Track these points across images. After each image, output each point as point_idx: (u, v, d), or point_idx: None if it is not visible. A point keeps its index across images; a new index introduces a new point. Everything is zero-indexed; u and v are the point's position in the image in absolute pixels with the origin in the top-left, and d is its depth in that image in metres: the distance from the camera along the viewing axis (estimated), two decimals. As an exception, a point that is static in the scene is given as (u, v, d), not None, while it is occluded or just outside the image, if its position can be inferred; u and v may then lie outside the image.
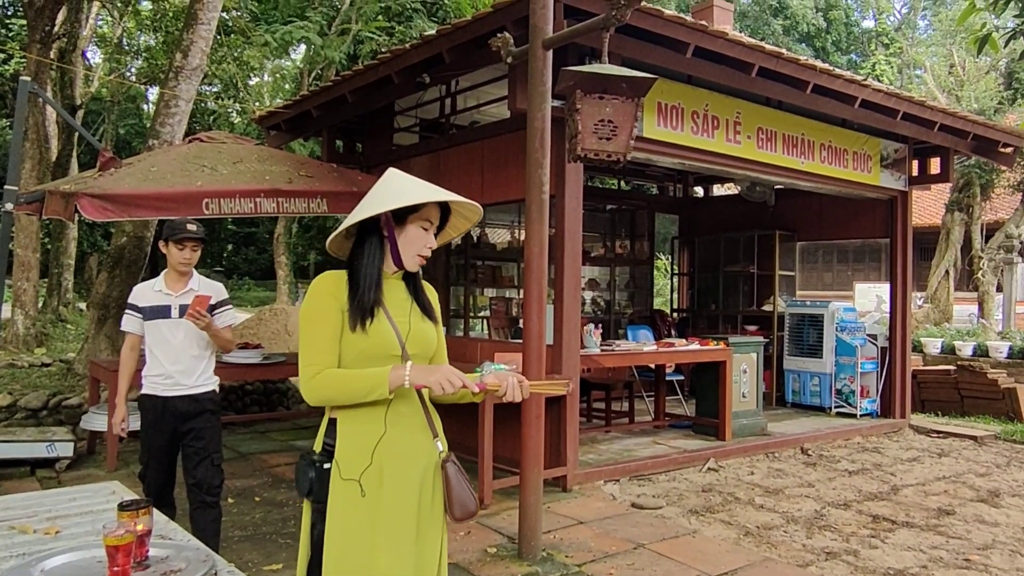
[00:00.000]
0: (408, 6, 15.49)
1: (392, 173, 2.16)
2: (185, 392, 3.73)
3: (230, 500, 5.25)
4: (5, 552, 2.08)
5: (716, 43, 5.71)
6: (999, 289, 15.56)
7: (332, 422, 2.09)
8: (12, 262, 11.83)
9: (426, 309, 2.21)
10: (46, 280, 16.95)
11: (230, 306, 3.95)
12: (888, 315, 9.11)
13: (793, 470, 6.67)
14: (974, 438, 8.15)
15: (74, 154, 15.31)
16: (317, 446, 2.11)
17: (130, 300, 3.81)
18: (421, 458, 2.11)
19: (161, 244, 3.79)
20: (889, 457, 7.29)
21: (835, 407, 8.84)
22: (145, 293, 3.79)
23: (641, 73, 3.80)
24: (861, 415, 8.67)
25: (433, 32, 5.87)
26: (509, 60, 4.54)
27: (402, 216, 2.10)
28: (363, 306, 2.05)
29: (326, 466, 2.04)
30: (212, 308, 3.74)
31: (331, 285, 2.09)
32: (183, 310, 3.71)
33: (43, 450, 5.89)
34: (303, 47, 18.95)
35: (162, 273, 3.83)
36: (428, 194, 2.11)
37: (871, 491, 6.01)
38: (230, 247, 37.66)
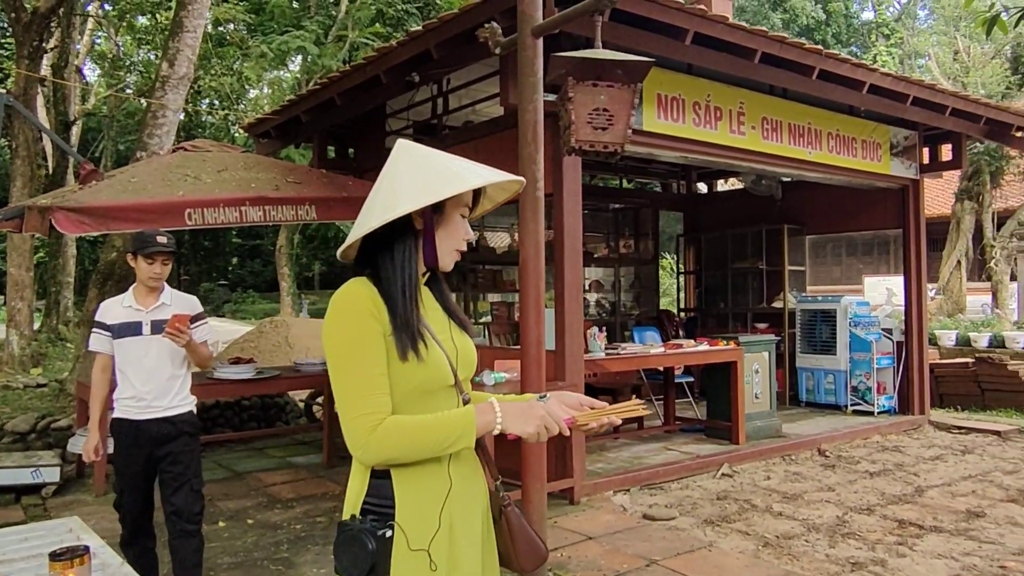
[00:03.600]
0: (401, 8, 15.29)
1: (412, 148, 1.72)
2: (159, 415, 3.48)
3: (221, 523, 5.00)
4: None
5: (716, 28, 5.45)
6: (1013, 278, 15.26)
7: (380, 476, 1.62)
8: (6, 282, 11.67)
9: (462, 321, 1.83)
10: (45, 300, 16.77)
11: (206, 320, 3.71)
12: (900, 308, 8.82)
13: (811, 473, 6.38)
14: (998, 433, 7.85)
15: (69, 170, 15.13)
16: (354, 507, 1.63)
17: (96, 317, 3.56)
18: (480, 507, 1.75)
19: (129, 258, 3.55)
20: (911, 456, 7.00)
21: (851, 405, 8.54)
22: (113, 309, 3.54)
23: (637, 56, 3.55)
24: (879, 412, 8.37)
25: (420, 28, 5.64)
26: (497, 51, 4.28)
27: (440, 203, 1.67)
28: (411, 328, 1.61)
29: (388, 535, 1.58)
30: (189, 323, 3.50)
31: (368, 302, 1.60)
32: (155, 327, 3.47)
33: (28, 476, 5.66)
34: (300, 57, 18.78)
35: (131, 288, 3.58)
36: (489, 174, 1.69)
37: (894, 494, 5.72)
38: (235, 260, 37.53)
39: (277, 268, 22.21)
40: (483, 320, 8.51)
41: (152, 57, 20.97)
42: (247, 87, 23.13)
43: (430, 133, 7.50)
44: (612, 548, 4.46)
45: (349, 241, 1.68)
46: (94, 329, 3.56)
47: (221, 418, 7.79)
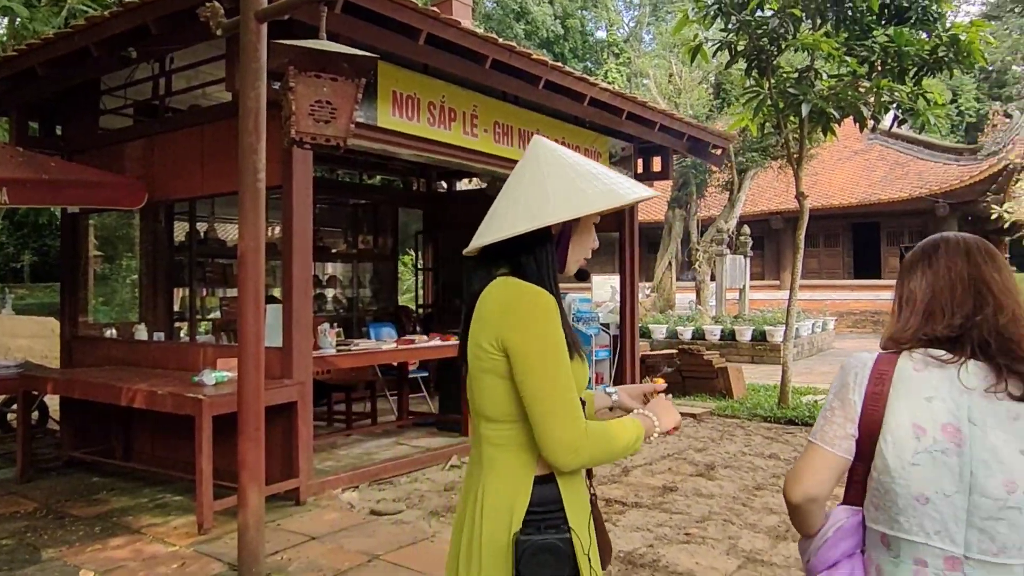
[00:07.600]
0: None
1: (556, 148, 1.70)
2: None
3: None
4: None
5: (449, 31, 5.60)
6: (712, 278, 17.26)
7: (544, 481, 1.58)
8: None
9: None
10: None
11: None
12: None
13: (534, 460, 6.77)
14: (694, 416, 8.84)
15: None
16: (517, 517, 1.55)
17: None
18: None
19: None
20: (621, 440, 7.66)
21: (574, 395, 9.17)
22: None
23: (362, 52, 3.55)
24: (597, 401, 9.08)
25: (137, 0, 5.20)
26: (219, 33, 4.07)
27: None
28: (570, 328, 1.63)
29: (567, 537, 1.55)
30: None
31: (555, 305, 1.58)
32: None
33: None
34: (7, 20, 16.50)
35: None
36: (641, 189, 1.70)
37: (604, 475, 6.23)
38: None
39: (-27, 257, 19.38)
40: (211, 316, 8.06)
41: None
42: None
43: (151, 114, 6.96)
44: (335, 546, 4.43)
45: (493, 238, 1.61)
46: None
47: None
